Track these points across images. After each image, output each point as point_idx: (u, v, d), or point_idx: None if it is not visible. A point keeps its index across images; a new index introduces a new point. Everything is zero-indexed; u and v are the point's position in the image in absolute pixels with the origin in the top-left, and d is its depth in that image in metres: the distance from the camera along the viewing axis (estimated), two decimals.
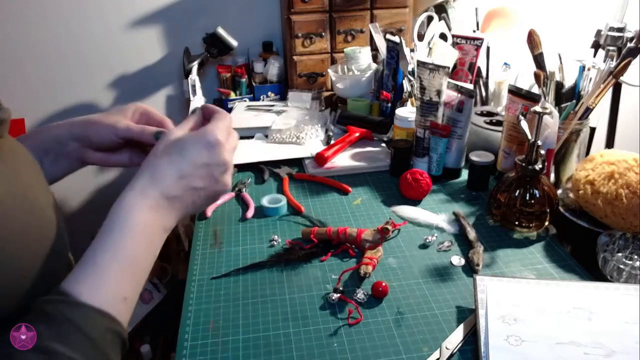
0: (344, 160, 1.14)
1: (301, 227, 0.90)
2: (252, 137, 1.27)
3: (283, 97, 1.51)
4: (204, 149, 0.56)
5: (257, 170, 1.12)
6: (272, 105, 1.43)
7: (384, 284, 0.73)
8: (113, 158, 0.74)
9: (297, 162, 1.15)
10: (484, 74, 1.26)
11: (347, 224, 0.91)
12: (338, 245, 0.84)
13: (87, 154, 0.72)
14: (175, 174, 0.55)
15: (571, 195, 0.89)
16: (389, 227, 0.82)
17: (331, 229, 0.85)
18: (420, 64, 1.01)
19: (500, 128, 1.05)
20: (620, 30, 1.20)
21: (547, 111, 0.82)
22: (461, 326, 0.67)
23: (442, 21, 1.24)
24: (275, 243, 0.86)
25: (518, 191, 0.85)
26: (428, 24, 1.23)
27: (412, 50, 1.21)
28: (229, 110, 1.44)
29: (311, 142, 1.20)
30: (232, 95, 1.51)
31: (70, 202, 1.81)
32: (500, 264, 0.80)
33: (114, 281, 0.50)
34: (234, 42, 1.47)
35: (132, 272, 0.52)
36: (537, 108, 0.82)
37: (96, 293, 0.48)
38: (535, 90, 0.98)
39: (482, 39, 1.18)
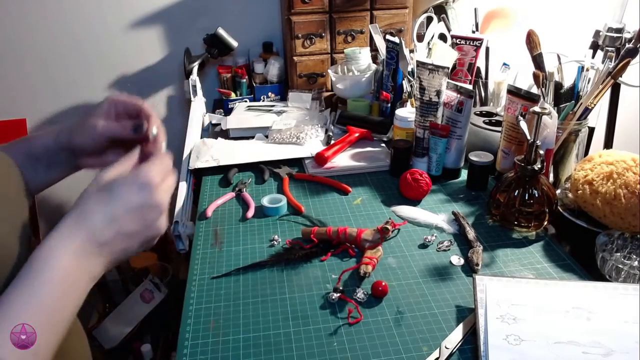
0: (344, 160, 1.14)
1: (301, 227, 0.90)
2: (252, 137, 1.27)
3: (283, 98, 1.51)
4: (137, 190, 0.52)
5: (257, 170, 1.13)
6: (273, 106, 1.43)
7: (383, 284, 0.73)
8: (107, 159, 0.70)
9: (297, 162, 1.15)
10: (483, 74, 1.27)
11: (347, 224, 0.92)
12: (338, 245, 0.85)
13: (79, 161, 0.70)
14: (104, 216, 0.50)
15: (570, 195, 0.89)
16: (389, 227, 0.82)
17: (331, 228, 0.85)
18: (420, 64, 1.02)
19: (499, 128, 1.05)
20: (619, 30, 1.21)
21: (546, 111, 0.82)
22: (460, 325, 0.67)
23: (442, 22, 1.24)
24: (275, 243, 0.86)
25: (517, 191, 0.86)
26: (427, 25, 1.24)
27: (411, 51, 1.22)
28: (230, 110, 1.45)
29: (311, 142, 1.21)
30: (233, 96, 1.51)
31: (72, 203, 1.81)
32: (500, 264, 0.80)
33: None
34: (234, 43, 1.48)
35: (47, 324, 0.46)
36: (536, 108, 0.83)
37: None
38: (534, 90, 0.98)
39: (481, 40, 1.19)
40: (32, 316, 0.45)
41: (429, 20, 1.25)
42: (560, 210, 0.89)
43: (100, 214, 0.50)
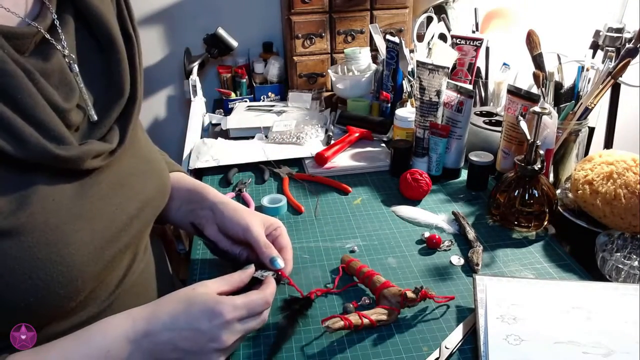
0: (344, 160, 1.14)
1: (301, 228, 0.90)
2: (252, 137, 1.27)
3: (283, 98, 1.51)
4: (208, 316, 0.55)
5: (257, 170, 1.13)
6: (273, 106, 1.43)
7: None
8: (224, 243, 0.75)
9: (297, 162, 1.15)
10: (483, 74, 1.27)
11: (347, 224, 0.91)
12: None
13: (209, 230, 0.76)
14: (170, 321, 0.55)
15: (570, 195, 0.89)
16: (415, 297, 0.67)
17: (361, 268, 0.75)
18: (420, 64, 1.02)
19: (499, 128, 1.05)
20: (619, 30, 1.21)
21: (546, 111, 0.82)
22: (461, 325, 0.67)
23: (442, 22, 1.24)
24: None
25: (517, 191, 0.86)
26: (428, 25, 1.23)
27: (411, 51, 1.22)
28: (230, 110, 1.45)
29: (311, 142, 1.21)
30: (233, 96, 1.52)
31: None
32: (500, 264, 0.80)
33: None
34: (234, 43, 1.48)
35: None
36: (536, 108, 0.83)
37: None
38: (535, 90, 0.98)
39: (481, 40, 1.19)
40: None
41: (429, 20, 1.25)
42: (560, 210, 0.89)
43: (168, 318, 0.55)
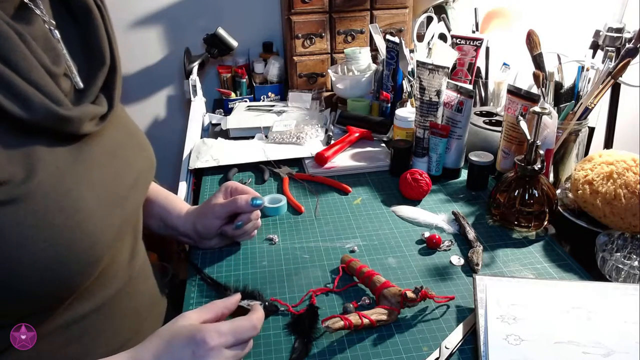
0: (344, 160, 1.14)
1: (301, 228, 0.90)
2: (252, 137, 1.27)
3: (283, 98, 1.51)
4: (189, 346, 0.53)
5: (257, 170, 1.13)
6: (273, 106, 1.43)
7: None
8: (217, 239, 0.84)
9: (297, 162, 1.15)
10: (483, 74, 1.27)
11: (347, 224, 0.92)
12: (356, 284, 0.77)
13: (201, 244, 0.84)
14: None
15: (570, 195, 0.89)
16: (415, 297, 0.68)
17: (362, 268, 0.75)
18: (420, 64, 1.02)
19: (499, 128, 1.05)
20: (619, 30, 1.21)
21: (546, 111, 0.82)
22: (460, 325, 0.67)
23: (442, 22, 1.24)
24: (273, 243, 0.87)
25: (517, 191, 0.86)
26: (427, 25, 1.23)
27: (411, 51, 1.21)
28: (230, 110, 1.45)
29: (311, 142, 1.21)
30: (233, 96, 1.51)
31: None
32: (500, 264, 0.80)
33: None
34: (234, 43, 1.48)
35: None
36: (536, 108, 0.83)
37: None
38: (535, 90, 0.98)
39: (481, 40, 1.19)
40: None
41: (429, 20, 1.25)
42: (561, 210, 0.89)
43: (152, 357, 0.53)
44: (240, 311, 0.63)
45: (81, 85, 0.57)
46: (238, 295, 0.63)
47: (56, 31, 0.56)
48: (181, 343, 0.53)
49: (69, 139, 0.54)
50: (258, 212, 0.82)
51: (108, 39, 0.61)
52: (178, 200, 0.86)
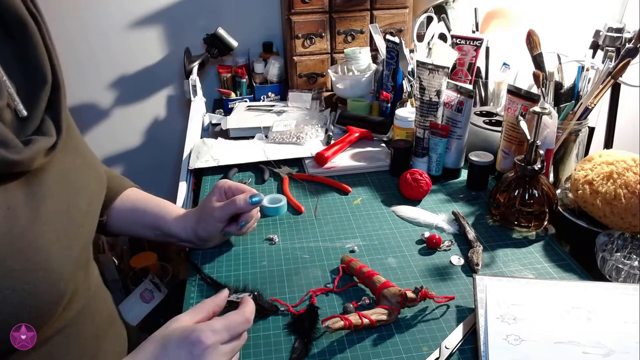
0: (344, 160, 1.14)
1: (301, 228, 0.90)
2: (252, 137, 1.27)
3: (283, 98, 1.51)
4: (184, 347, 0.52)
5: (257, 170, 1.13)
6: (273, 106, 1.43)
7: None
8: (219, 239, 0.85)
9: (297, 162, 1.15)
10: (483, 74, 1.27)
11: (347, 224, 0.92)
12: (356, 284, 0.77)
13: (204, 246, 0.85)
14: None
15: (570, 195, 0.89)
16: (415, 297, 0.68)
17: (361, 268, 0.75)
18: (420, 64, 1.02)
19: (499, 128, 1.05)
20: (619, 30, 1.21)
21: (546, 111, 0.82)
22: (461, 325, 0.67)
23: (442, 22, 1.24)
24: (273, 243, 0.87)
25: (517, 191, 0.86)
26: (427, 25, 1.23)
27: (411, 51, 1.22)
28: (230, 110, 1.45)
29: (311, 142, 1.21)
30: (233, 96, 1.52)
31: None
32: (500, 264, 0.80)
33: None
34: (234, 43, 1.48)
35: None
36: (536, 108, 0.83)
37: None
38: (535, 90, 0.98)
39: (481, 40, 1.19)
40: None
41: (429, 20, 1.25)
42: (560, 210, 0.89)
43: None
44: (232, 305, 0.63)
45: (25, 113, 0.53)
46: (226, 291, 0.62)
47: None
48: (177, 345, 0.53)
49: (18, 176, 0.51)
50: (257, 207, 0.83)
51: (48, 53, 0.56)
52: (171, 206, 0.85)
